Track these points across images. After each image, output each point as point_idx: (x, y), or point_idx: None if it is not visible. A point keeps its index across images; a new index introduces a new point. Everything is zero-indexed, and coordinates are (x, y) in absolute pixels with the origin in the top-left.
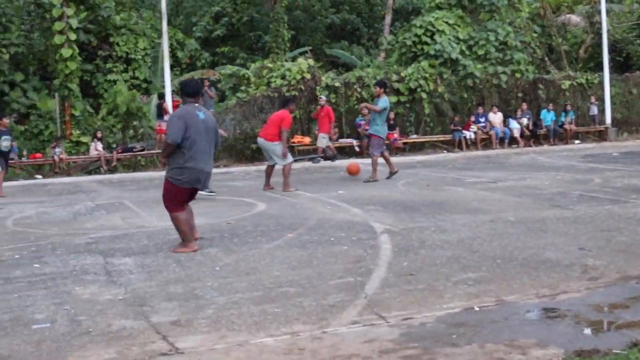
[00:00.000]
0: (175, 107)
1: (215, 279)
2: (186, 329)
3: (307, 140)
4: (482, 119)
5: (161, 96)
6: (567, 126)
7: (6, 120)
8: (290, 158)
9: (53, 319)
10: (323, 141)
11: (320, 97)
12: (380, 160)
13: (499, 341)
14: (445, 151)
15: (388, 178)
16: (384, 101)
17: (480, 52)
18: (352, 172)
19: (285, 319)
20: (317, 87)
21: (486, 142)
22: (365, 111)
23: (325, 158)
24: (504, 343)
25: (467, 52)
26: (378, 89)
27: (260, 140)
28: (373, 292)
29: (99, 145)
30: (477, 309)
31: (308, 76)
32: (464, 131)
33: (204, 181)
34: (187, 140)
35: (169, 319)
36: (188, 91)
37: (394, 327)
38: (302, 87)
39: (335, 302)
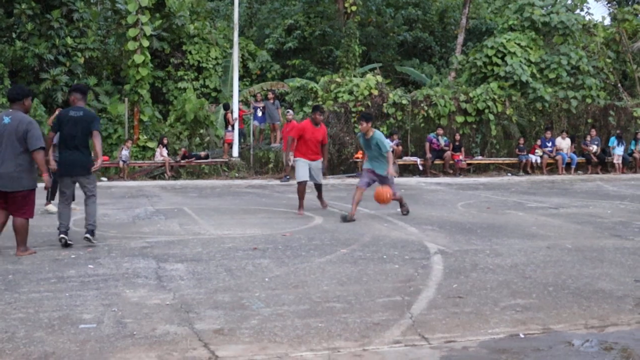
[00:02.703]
0: (240, 117)
1: (263, 290)
2: (228, 337)
3: None
4: (549, 144)
5: (226, 106)
6: (636, 155)
7: None
8: (296, 175)
9: (100, 319)
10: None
11: (287, 112)
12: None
13: None
14: (509, 174)
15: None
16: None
17: (552, 76)
18: (381, 201)
19: (328, 334)
20: (384, 104)
21: (552, 167)
22: (441, 131)
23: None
24: None
25: (538, 75)
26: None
27: None
28: (419, 312)
29: (164, 151)
30: (522, 336)
31: (376, 92)
32: (529, 155)
33: (7, 183)
34: None
35: (213, 327)
36: (8, 97)
37: (436, 349)
38: (369, 104)
39: (380, 321)
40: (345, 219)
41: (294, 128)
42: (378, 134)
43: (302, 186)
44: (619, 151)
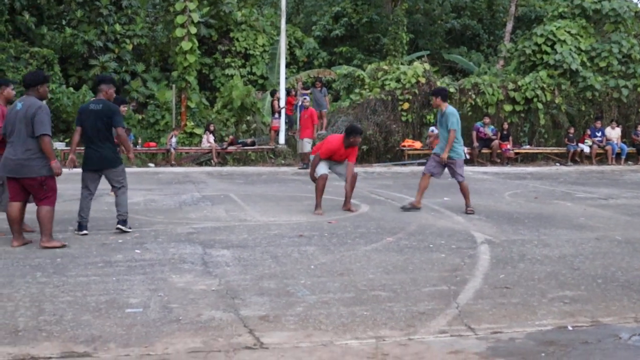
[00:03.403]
0: (289, 104)
1: (309, 277)
2: (274, 324)
3: (418, 144)
4: (599, 133)
5: (274, 93)
6: None
7: (124, 108)
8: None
9: (146, 304)
10: (308, 146)
11: (304, 98)
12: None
13: None
14: (558, 164)
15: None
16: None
17: (602, 64)
18: None
19: (373, 323)
20: None
21: (602, 157)
22: (487, 120)
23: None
24: None
25: (588, 64)
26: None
27: None
28: (465, 302)
29: (211, 138)
30: (570, 328)
31: (423, 80)
32: (578, 144)
33: (17, 170)
34: (5, 130)
35: (258, 314)
36: (23, 82)
37: (482, 340)
38: (417, 91)
39: (426, 310)
40: (406, 207)
41: (324, 148)
42: (450, 110)
43: (322, 180)
44: None
